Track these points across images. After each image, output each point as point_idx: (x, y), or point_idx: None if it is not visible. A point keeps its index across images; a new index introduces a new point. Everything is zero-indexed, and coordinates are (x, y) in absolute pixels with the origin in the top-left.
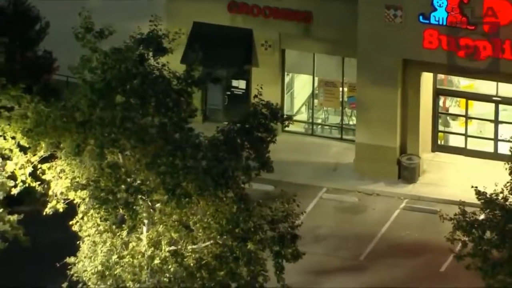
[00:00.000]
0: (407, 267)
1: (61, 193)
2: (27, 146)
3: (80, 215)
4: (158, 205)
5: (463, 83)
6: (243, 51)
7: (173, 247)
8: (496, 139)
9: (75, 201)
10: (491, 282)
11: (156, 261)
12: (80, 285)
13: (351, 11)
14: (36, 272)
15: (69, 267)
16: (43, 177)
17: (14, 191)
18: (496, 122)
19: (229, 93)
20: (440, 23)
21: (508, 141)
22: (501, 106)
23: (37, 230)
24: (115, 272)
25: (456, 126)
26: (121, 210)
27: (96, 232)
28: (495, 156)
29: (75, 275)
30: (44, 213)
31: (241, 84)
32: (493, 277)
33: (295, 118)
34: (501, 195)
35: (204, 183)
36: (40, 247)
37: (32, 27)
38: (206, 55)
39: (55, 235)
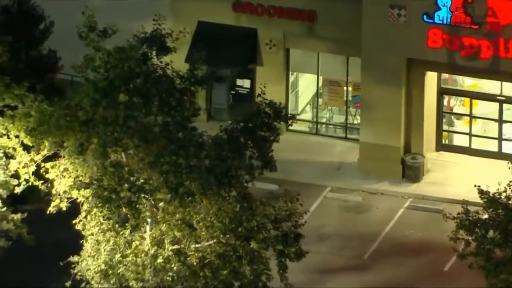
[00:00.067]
0: (411, 266)
1: (64, 192)
2: (31, 145)
3: (83, 214)
4: (161, 204)
5: (467, 83)
6: (247, 50)
7: (176, 246)
8: (500, 139)
9: (78, 200)
10: (494, 281)
11: (159, 260)
12: (83, 284)
13: (356, 11)
14: (40, 271)
15: (72, 266)
16: (47, 176)
17: (17, 190)
18: (500, 121)
19: (233, 92)
20: (444, 22)
21: None
22: (505, 106)
23: (41, 229)
24: (118, 271)
25: (461, 125)
26: (124, 209)
27: (99, 231)
28: (499, 155)
29: (79, 274)
30: (48, 212)
31: (246, 83)
32: (496, 276)
33: (299, 117)
34: (504, 194)
35: (207, 182)
36: (44, 246)
37: (36, 26)
38: (211, 54)
39: (59, 234)
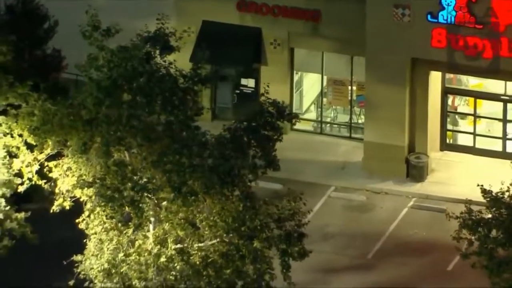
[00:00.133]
0: (415, 265)
1: (68, 191)
2: (34, 144)
3: (86, 213)
4: (164, 203)
5: (472, 82)
6: (252, 49)
7: (179, 245)
8: (504, 138)
9: (81, 199)
10: (497, 281)
11: (162, 259)
12: (87, 283)
13: (360, 10)
14: (43, 270)
15: (76, 264)
16: (50, 175)
17: (21, 189)
18: (505, 121)
19: (238, 91)
20: (449, 22)
21: None
22: (509, 105)
23: (44, 228)
24: (121, 270)
25: (465, 125)
26: (127, 208)
27: (103, 230)
28: (503, 155)
29: (82, 273)
30: (51, 211)
31: (250, 82)
32: (499, 275)
33: (304, 116)
34: (507, 194)
35: (210, 181)
36: (48, 245)
37: (40, 25)
38: (215, 54)
39: (62, 233)
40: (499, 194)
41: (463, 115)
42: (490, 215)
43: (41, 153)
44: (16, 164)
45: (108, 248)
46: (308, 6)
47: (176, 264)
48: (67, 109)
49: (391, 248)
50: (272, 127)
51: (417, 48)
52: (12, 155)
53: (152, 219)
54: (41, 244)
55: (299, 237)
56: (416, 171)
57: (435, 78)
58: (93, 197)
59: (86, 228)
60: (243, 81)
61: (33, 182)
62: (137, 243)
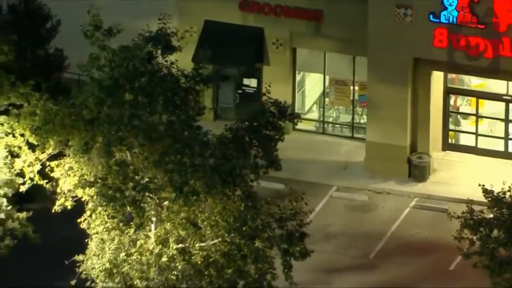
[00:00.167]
0: (417, 265)
1: (69, 191)
2: (36, 143)
3: (88, 213)
4: (166, 202)
5: (474, 82)
6: (254, 49)
7: (180, 245)
8: (506, 138)
9: (83, 199)
10: (498, 280)
11: (164, 258)
12: (88, 282)
13: (362, 10)
14: (45, 270)
15: (78, 264)
16: (52, 174)
17: (22, 189)
18: (507, 121)
19: (240, 91)
20: (450, 21)
21: None
22: (511, 105)
23: (46, 227)
24: (123, 270)
25: (467, 125)
26: (128, 208)
27: (104, 230)
28: (505, 154)
29: (84, 272)
30: (53, 211)
31: (253, 82)
32: (500, 275)
33: (306, 116)
34: (508, 194)
35: (212, 181)
36: (50, 244)
37: (43, 25)
38: (218, 54)
39: (64, 233)
40: (500, 194)
41: (465, 115)
42: (491, 215)
43: (42, 152)
44: (18, 163)
45: (109, 248)
46: (310, 6)
47: (177, 264)
48: (68, 109)
49: (393, 248)
50: (273, 127)
51: (419, 48)
52: (14, 155)
53: (153, 218)
54: (43, 244)
55: (300, 236)
56: (418, 171)
57: (437, 78)
58: (95, 197)
59: (88, 228)
60: (245, 81)
61: (35, 182)
62: (138, 243)
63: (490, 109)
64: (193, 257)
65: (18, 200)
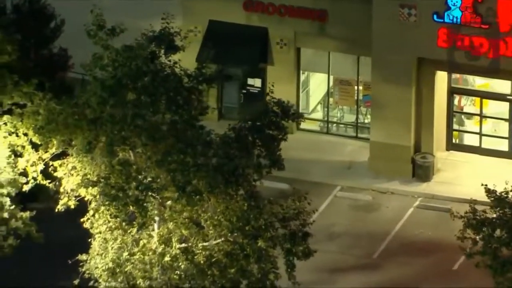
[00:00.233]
0: (420, 265)
1: (72, 190)
2: (39, 143)
3: (91, 212)
4: (168, 202)
5: (478, 82)
6: (258, 49)
7: (183, 244)
8: (510, 138)
9: (86, 198)
10: (500, 280)
11: (167, 258)
12: (91, 282)
13: (366, 10)
14: (48, 269)
15: (81, 264)
16: (55, 174)
17: (26, 188)
18: (511, 121)
19: (244, 91)
20: (454, 21)
21: None
22: None
23: (50, 227)
24: (126, 269)
25: (471, 124)
26: (131, 207)
27: (107, 229)
28: (509, 154)
29: (87, 272)
30: (56, 210)
31: (257, 82)
32: (502, 274)
33: (310, 116)
34: (511, 193)
35: (214, 180)
36: (53, 244)
37: (47, 25)
38: (222, 53)
39: (68, 232)
40: (503, 194)
41: (469, 115)
42: (494, 215)
43: (46, 152)
44: (21, 163)
45: (112, 247)
46: (315, 6)
47: (180, 263)
48: (72, 108)
49: (396, 248)
50: (276, 127)
51: (423, 48)
52: (17, 154)
53: (156, 218)
54: (46, 243)
55: (303, 236)
56: (422, 171)
57: (441, 78)
58: (98, 196)
59: (91, 227)
60: (250, 81)
61: (38, 182)
62: (141, 242)
63: (494, 109)
64: (196, 257)
65: (21, 199)
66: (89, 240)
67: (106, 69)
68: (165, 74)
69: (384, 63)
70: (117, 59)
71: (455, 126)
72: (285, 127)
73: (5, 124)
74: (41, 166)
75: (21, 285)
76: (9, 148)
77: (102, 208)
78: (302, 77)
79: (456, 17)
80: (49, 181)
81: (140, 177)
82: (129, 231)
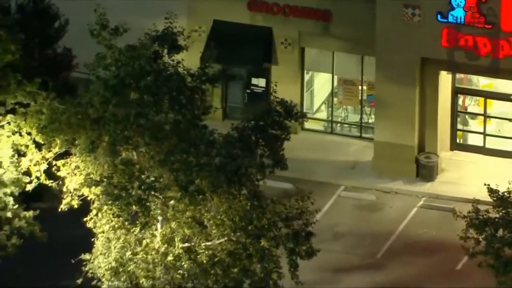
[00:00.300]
0: (424, 265)
1: (75, 190)
2: (42, 142)
3: (94, 212)
4: (171, 202)
5: (482, 82)
6: (262, 49)
7: (186, 244)
8: None
9: (89, 198)
10: (503, 280)
11: (170, 257)
12: (94, 281)
13: (370, 10)
14: (51, 268)
15: (84, 263)
16: (58, 173)
17: (29, 188)
18: None
19: (249, 91)
20: (458, 21)
21: None
22: None
23: (53, 226)
24: (129, 269)
25: (475, 124)
26: (134, 207)
27: (110, 229)
28: None
29: (90, 271)
30: (60, 210)
31: (261, 82)
32: (505, 274)
33: (314, 116)
34: None
35: (217, 180)
36: (57, 243)
37: (51, 24)
38: (226, 53)
39: (71, 232)
40: (505, 193)
41: (473, 115)
42: (497, 215)
43: (49, 151)
44: (25, 162)
45: (115, 247)
46: (319, 6)
47: (183, 263)
48: (75, 108)
49: (400, 248)
50: (280, 126)
51: (427, 48)
52: (20, 154)
53: (159, 217)
54: (50, 243)
55: (306, 236)
56: (426, 170)
57: (445, 78)
58: (101, 196)
59: (94, 227)
60: (254, 81)
61: (41, 181)
62: (144, 242)
63: (498, 109)
64: (198, 256)
65: (25, 199)
66: (92, 239)
67: (109, 68)
68: (168, 73)
69: (388, 63)
70: (120, 58)
71: (459, 126)
72: (288, 126)
73: (9, 123)
74: (44, 166)
75: (25, 284)
76: (12, 147)
77: (105, 207)
78: (306, 77)
79: (460, 17)
80: (51, 180)
81: (143, 176)
82: (132, 231)
